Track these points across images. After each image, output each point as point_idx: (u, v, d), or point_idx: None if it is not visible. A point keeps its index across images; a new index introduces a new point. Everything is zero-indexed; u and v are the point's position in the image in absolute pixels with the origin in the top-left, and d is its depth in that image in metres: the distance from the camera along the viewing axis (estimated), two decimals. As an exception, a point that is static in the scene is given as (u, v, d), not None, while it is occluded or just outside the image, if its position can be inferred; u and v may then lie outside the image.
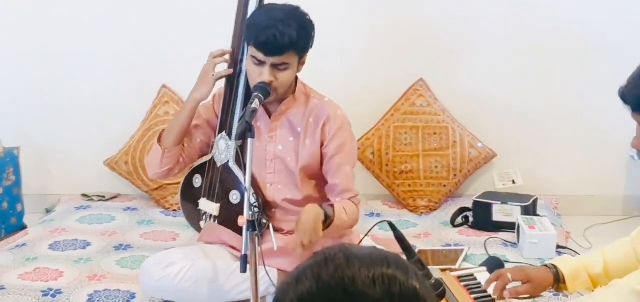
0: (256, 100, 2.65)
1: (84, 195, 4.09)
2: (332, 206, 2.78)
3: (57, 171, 4.17)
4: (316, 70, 2.97)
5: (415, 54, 4.05)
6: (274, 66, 2.72)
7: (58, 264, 3.27)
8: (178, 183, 3.17)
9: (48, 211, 4.02)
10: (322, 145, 2.86)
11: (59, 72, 4.09)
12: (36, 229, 3.70)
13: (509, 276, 2.27)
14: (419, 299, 1.06)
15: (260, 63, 2.73)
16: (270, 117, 2.87)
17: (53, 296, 2.99)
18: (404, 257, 2.13)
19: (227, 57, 2.90)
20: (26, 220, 3.89)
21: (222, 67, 2.92)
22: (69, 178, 4.15)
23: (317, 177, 2.91)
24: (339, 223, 2.76)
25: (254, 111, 2.61)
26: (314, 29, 2.79)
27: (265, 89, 2.71)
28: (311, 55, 2.83)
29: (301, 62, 2.81)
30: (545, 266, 2.32)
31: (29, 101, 4.10)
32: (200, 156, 3.00)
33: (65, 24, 4.06)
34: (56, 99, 4.10)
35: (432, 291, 1.11)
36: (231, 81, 2.91)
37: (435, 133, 3.98)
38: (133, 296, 2.98)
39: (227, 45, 2.92)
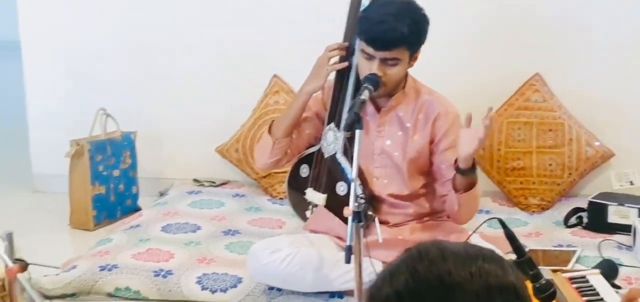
0: (366, 91, 2.64)
1: (196, 180, 4.19)
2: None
3: (171, 156, 4.29)
4: (426, 64, 2.92)
5: (530, 49, 3.94)
6: (384, 61, 2.70)
7: (169, 246, 3.36)
8: (286, 172, 3.20)
9: (161, 194, 4.14)
10: (431, 142, 2.82)
11: (175, 60, 4.20)
12: (150, 211, 3.82)
13: None
14: (517, 295, 1.04)
15: (370, 57, 2.71)
16: (379, 112, 2.85)
17: (164, 276, 3.07)
18: (513, 256, 2.08)
19: (342, 51, 2.89)
20: (140, 202, 4.03)
21: (336, 60, 2.92)
22: (182, 163, 4.26)
23: (425, 173, 2.87)
24: (474, 195, 2.72)
25: (363, 102, 2.60)
26: (427, 24, 2.74)
27: (375, 79, 2.69)
28: (422, 49, 2.79)
29: (413, 58, 2.78)
30: None
31: (146, 87, 4.23)
32: (308, 148, 3.01)
33: (182, 12, 4.16)
34: (172, 85, 4.22)
35: (526, 289, 1.08)
36: (342, 73, 2.90)
37: (550, 130, 3.85)
38: (240, 280, 3.03)
39: (339, 37, 2.92)
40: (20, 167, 4.48)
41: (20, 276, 2.18)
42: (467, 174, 2.67)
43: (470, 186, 2.70)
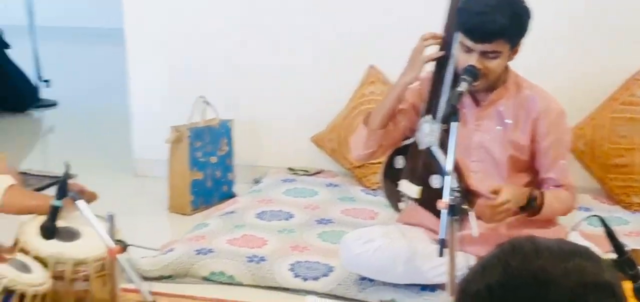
0: (463, 83, 2.60)
1: (290, 169, 4.23)
2: (541, 192, 2.69)
3: (267, 144, 4.34)
4: (526, 57, 2.85)
5: (636, 42, 3.79)
6: (483, 54, 2.65)
7: (263, 232, 3.40)
8: (380, 163, 3.19)
9: (256, 182, 4.20)
10: (532, 138, 2.76)
11: (272, 48, 4.24)
12: (245, 198, 3.88)
13: None
14: (612, 293, 1.02)
15: (469, 50, 2.66)
16: (477, 105, 2.81)
17: (257, 262, 3.12)
18: (612, 255, 2.01)
19: (437, 40, 2.85)
20: (236, 189, 4.09)
21: (432, 51, 2.88)
22: (277, 151, 4.31)
23: (526, 169, 2.81)
24: (548, 211, 2.71)
25: (461, 94, 2.56)
26: (529, 17, 2.67)
27: (473, 71, 2.64)
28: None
29: (514, 51, 2.71)
30: None
31: (244, 75, 4.29)
32: (403, 139, 2.99)
33: (280, 3, 4.20)
34: (268, 74, 4.26)
35: (623, 288, 1.05)
36: (440, 64, 2.86)
37: (656, 126, 3.71)
38: (331, 269, 3.04)
39: (438, 28, 2.88)
40: (123, 152, 4.63)
41: (120, 256, 2.24)
42: (528, 212, 2.68)
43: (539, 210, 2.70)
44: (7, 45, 6.14)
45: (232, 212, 3.67)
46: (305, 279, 3.02)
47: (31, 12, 6.52)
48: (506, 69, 2.76)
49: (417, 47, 2.84)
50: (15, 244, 2.56)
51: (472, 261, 2.67)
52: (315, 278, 3.02)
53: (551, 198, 2.70)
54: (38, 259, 2.51)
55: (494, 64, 2.67)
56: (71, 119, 6.01)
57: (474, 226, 2.62)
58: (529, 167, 2.81)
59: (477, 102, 2.81)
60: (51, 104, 6.27)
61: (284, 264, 3.10)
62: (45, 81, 6.33)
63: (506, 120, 2.77)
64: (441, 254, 2.37)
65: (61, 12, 9.06)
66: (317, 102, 4.19)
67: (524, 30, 2.68)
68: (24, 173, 4.27)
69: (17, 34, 6.40)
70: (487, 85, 2.74)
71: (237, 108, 4.24)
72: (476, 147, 2.81)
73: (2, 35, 6.12)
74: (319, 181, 4.09)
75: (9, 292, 2.29)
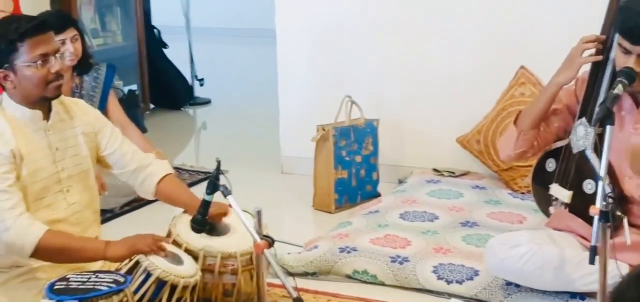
0: (619, 86, 2.49)
1: (435, 170, 4.19)
2: None
3: (411, 144, 4.32)
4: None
5: None
6: (641, 56, 2.53)
7: (407, 233, 3.39)
8: (529, 166, 3.11)
9: (400, 182, 4.19)
10: None
11: (418, 49, 4.22)
12: (388, 197, 3.88)
13: None
14: None
15: (627, 52, 2.56)
16: (638, 107, 2.68)
17: (400, 262, 3.11)
18: None
19: (598, 43, 2.75)
20: (380, 188, 4.10)
21: (590, 52, 2.78)
22: (422, 152, 4.28)
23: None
24: None
25: (616, 97, 2.45)
26: None
27: (630, 73, 2.53)
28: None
29: None
30: None
31: (389, 75, 4.29)
32: (555, 141, 2.90)
33: (429, 3, 4.17)
34: (414, 74, 4.24)
35: None
36: (598, 67, 2.76)
37: None
38: (476, 272, 2.98)
39: (594, 29, 2.77)
40: (271, 149, 4.75)
41: (266, 251, 2.29)
42: None
43: None
44: (165, 45, 6.43)
45: (375, 211, 3.68)
46: (449, 282, 2.98)
47: (187, 14, 6.81)
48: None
49: (576, 48, 2.76)
50: (168, 235, 2.67)
51: (625, 270, 2.55)
52: (460, 281, 2.97)
53: None
54: (189, 251, 2.61)
55: (653, 67, 2.54)
56: (223, 116, 6.23)
57: (627, 233, 2.50)
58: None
59: (638, 104, 2.68)
60: (205, 102, 6.53)
61: (427, 266, 3.07)
62: (200, 80, 6.59)
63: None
64: (592, 262, 2.28)
65: (216, 13, 9.41)
66: (464, 102, 4.13)
67: None
68: (178, 168, 4.47)
69: (175, 34, 6.71)
70: (648, 87, 2.61)
71: (383, 108, 4.25)
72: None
73: (160, 35, 6.42)
74: (464, 183, 4.02)
75: (161, 282, 2.39)
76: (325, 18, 4.40)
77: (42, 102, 2.53)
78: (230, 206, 2.39)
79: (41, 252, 2.41)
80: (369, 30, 4.30)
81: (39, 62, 2.44)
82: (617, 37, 2.61)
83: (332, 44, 4.40)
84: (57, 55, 2.50)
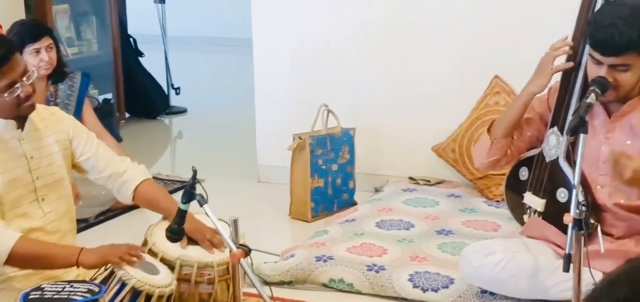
0: (592, 95, 2.52)
1: (411, 178, 4.21)
2: None
3: (388, 153, 4.34)
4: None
5: None
6: (613, 67, 2.57)
7: (383, 241, 3.40)
8: (503, 174, 3.13)
9: (377, 190, 4.20)
10: None
11: (395, 59, 4.24)
12: (365, 206, 3.89)
13: None
14: None
15: (598, 63, 2.59)
16: (609, 117, 2.71)
17: (376, 271, 3.12)
18: None
19: (567, 49, 2.78)
20: (356, 197, 4.11)
21: (562, 60, 2.81)
22: (398, 161, 4.30)
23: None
24: None
25: (589, 106, 2.48)
26: None
27: (603, 83, 2.56)
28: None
29: None
30: None
31: (366, 84, 4.31)
32: (528, 150, 2.93)
33: (404, 13, 4.19)
34: (390, 83, 4.26)
35: None
36: (568, 75, 2.79)
37: None
38: (452, 281, 3.00)
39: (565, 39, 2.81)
40: (247, 159, 4.74)
41: (243, 261, 2.29)
42: None
43: None
44: (141, 54, 6.41)
45: (352, 220, 3.69)
46: (425, 290, 3.00)
47: (163, 22, 6.79)
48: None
49: (547, 56, 2.78)
50: (144, 245, 2.66)
51: (599, 278, 2.58)
52: (435, 289, 2.99)
53: None
54: (165, 261, 2.60)
55: (624, 77, 2.58)
56: (199, 125, 6.22)
57: (601, 241, 2.53)
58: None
59: (609, 113, 2.71)
60: (181, 111, 6.51)
61: (403, 274, 3.09)
62: (176, 89, 6.57)
63: (638, 134, 2.65)
64: (567, 270, 2.30)
65: (192, 22, 9.39)
66: (439, 112, 4.16)
67: None
68: (154, 177, 4.44)
69: (151, 43, 6.68)
70: (618, 97, 2.64)
71: (359, 117, 4.26)
72: (604, 160, 2.70)
73: (136, 44, 6.40)
74: (440, 191, 4.05)
75: (136, 292, 2.38)
76: (302, 27, 4.41)
77: (16, 118, 2.52)
78: (207, 217, 2.38)
79: (15, 258, 2.39)
80: (346, 39, 4.32)
81: (6, 94, 2.42)
82: (588, 49, 2.64)
83: (309, 53, 4.41)
84: (25, 77, 2.46)
